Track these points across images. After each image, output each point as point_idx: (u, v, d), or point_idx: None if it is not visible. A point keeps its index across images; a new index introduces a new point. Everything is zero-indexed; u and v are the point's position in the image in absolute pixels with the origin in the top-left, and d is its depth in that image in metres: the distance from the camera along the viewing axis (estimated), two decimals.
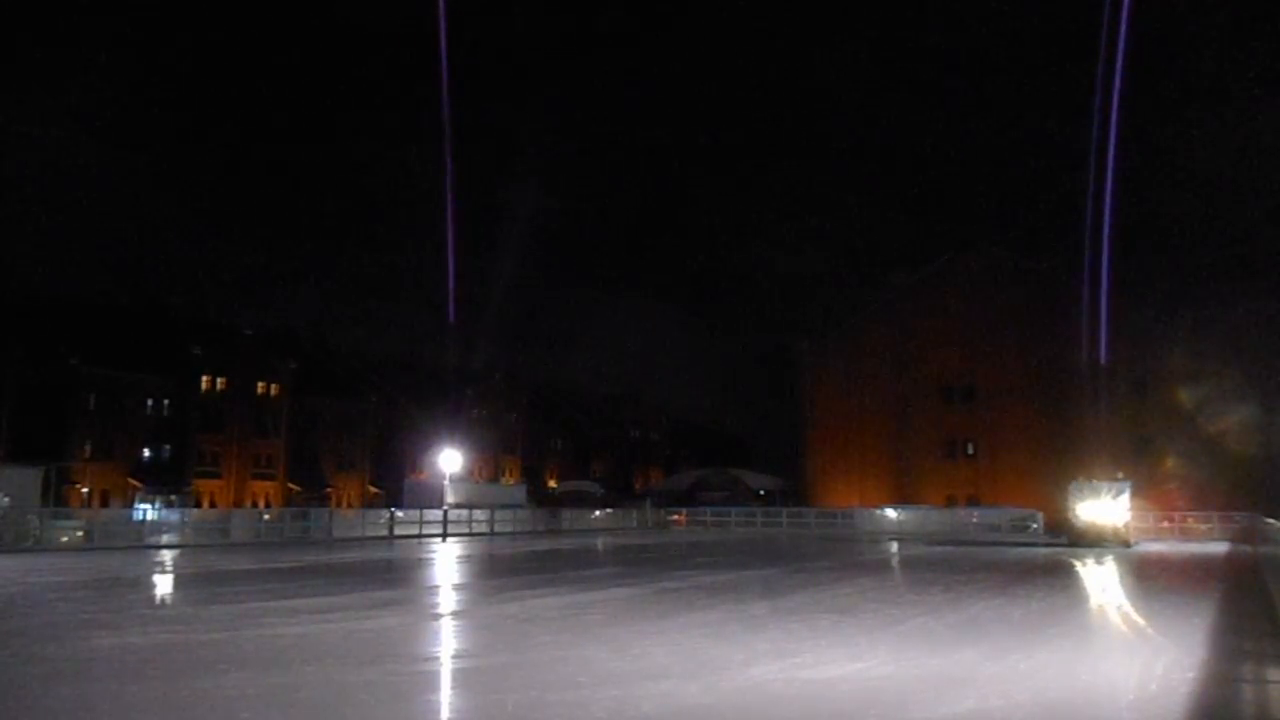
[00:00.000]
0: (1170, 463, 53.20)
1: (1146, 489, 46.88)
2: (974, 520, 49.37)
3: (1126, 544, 33.90)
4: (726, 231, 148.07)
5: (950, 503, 58.09)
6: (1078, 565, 25.92)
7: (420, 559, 28.66)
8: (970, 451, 62.25)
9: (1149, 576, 23.71)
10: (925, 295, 64.39)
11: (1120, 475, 37.47)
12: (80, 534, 32.58)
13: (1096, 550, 31.77)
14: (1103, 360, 52.11)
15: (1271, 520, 26.72)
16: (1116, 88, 34.43)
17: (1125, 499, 34.99)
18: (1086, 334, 51.92)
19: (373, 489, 75.89)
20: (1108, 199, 39.67)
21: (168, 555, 28.60)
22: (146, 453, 66.26)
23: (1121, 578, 22.93)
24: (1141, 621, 14.23)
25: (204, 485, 67.39)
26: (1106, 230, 41.21)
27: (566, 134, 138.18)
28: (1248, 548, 31.84)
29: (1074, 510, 34.92)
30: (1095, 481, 36.15)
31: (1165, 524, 44.07)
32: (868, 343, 65.76)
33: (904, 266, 68.05)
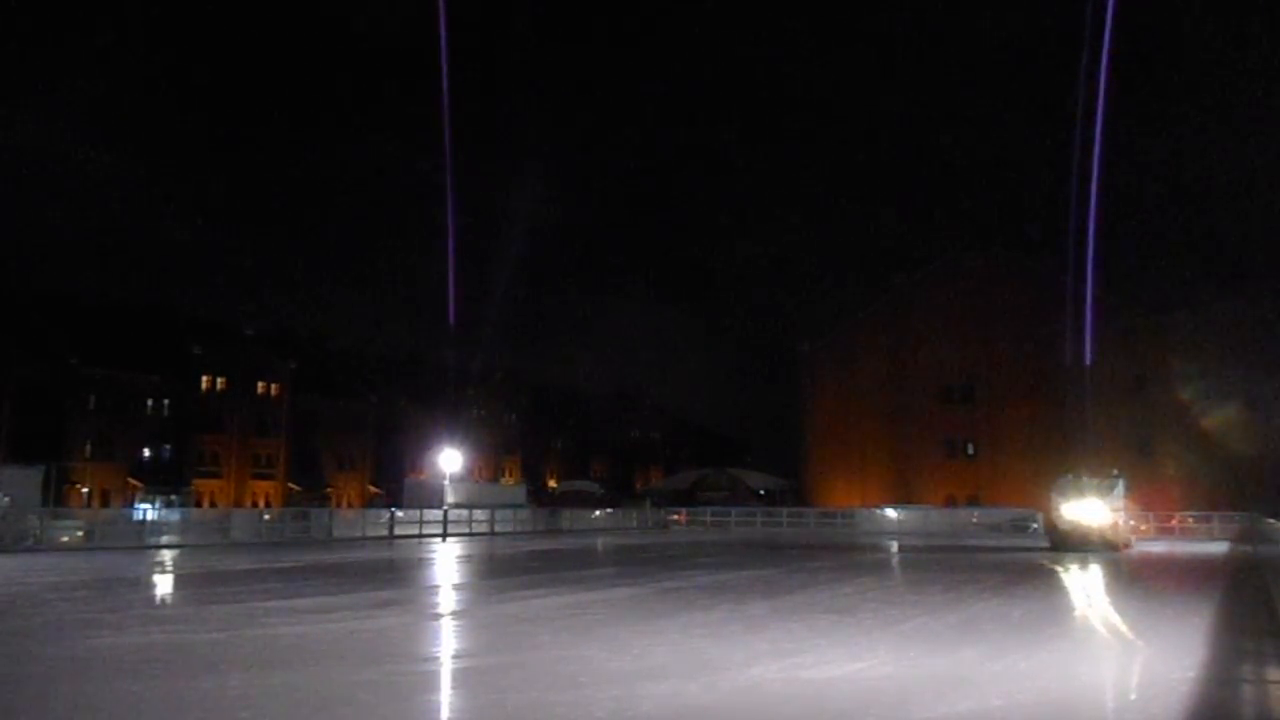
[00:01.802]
0: (1170, 463, 53.22)
1: (1146, 489, 46.89)
2: (974, 520, 49.34)
3: (1116, 548, 29.80)
4: (726, 231, 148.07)
5: (950, 503, 58.12)
6: (1059, 571, 23.97)
7: (420, 559, 28.65)
8: (970, 451, 62.30)
9: (1145, 578, 23.69)
10: (925, 295, 64.45)
11: (1115, 471, 33.58)
12: (80, 534, 32.55)
13: (1079, 554, 28.33)
14: (1088, 360, 51.78)
15: (1271, 520, 26.66)
16: (1102, 84, 34.04)
17: (1118, 497, 31.22)
18: (1071, 332, 51.82)
19: (373, 489, 75.91)
20: (1092, 198, 39.45)
21: (168, 555, 28.57)
22: (146, 453, 66.31)
23: (1117, 580, 22.90)
24: (1141, 622, 14.22)
25: (204, 485, 67.41)
26: (1091, 228, 41.07)
27: (566, 134, 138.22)
28: (1248, 548, 31.61)
29: (1057, 510, 31.01)
30: (1082, 478, 32.16)
31: (1165, 524, 43.91)
32: (868, 343, 65.83)
33: (904, 267, 68.19)
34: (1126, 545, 31.28)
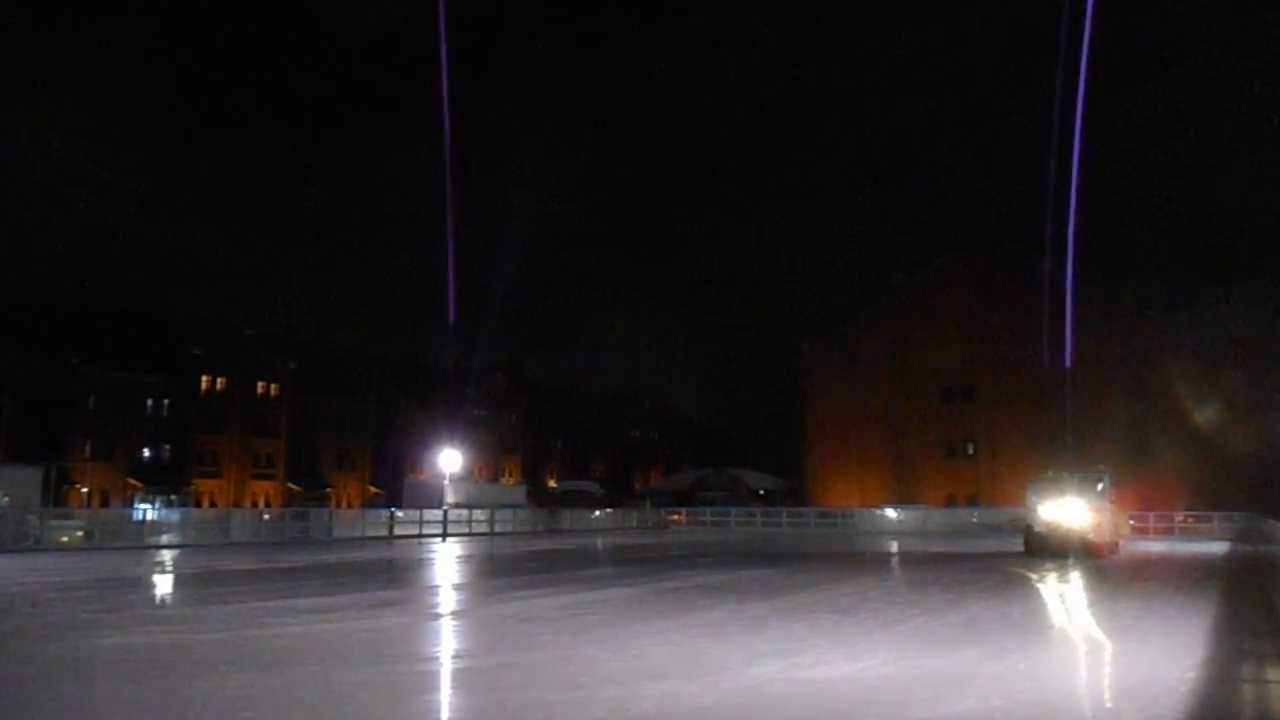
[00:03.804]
0: (1170, 462, 53.19)
1: (1147, 489, 46.87)
2: (974, 520, 49.37)
3: (1099, 552, 26.51)
4: (726, 231, 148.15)
5: (950, 503, 58.13)
6: (1053, 573, 22.03)
7: (420, 559, 28.65)
8: (970, 451, 62.30)
9: (1144, 580, 23.66)
10: (925, 295, 64.49)
11: (1101, 468, 30.64)
12: (80, 534, 32.59)
13: (1058, 560, 25.12)
14: (1068, 362, 51.44)
15: (1272, 520, 26.53)
16: (1081, 83, 33.41)
17: (1102, 496, 28.09)
18: (1050, 332, 51.63)
19: (373, 489, 75.92)
20: (1073, 193, 39.05)
21: (168, 555, 28.59)
22: (146, 453, 66.31)
23: (1116, 581, 22.87)
24: (1142, 622, 14.21)
25: (204, 485, 67.43)
26: (1071, 227, 40.75)
27: (566, 134, 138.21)
28: (1248, 547, 31.40)
29: (1034, 510, 27.89)
30: (1062, 475, 29.38)
31: (1165, 525, 43.88)
32: (867, 343, 65.86)
33: (903, 267, 68.30)
34: (1112, 549, 28.15)
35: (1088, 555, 25.90)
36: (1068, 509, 27.23)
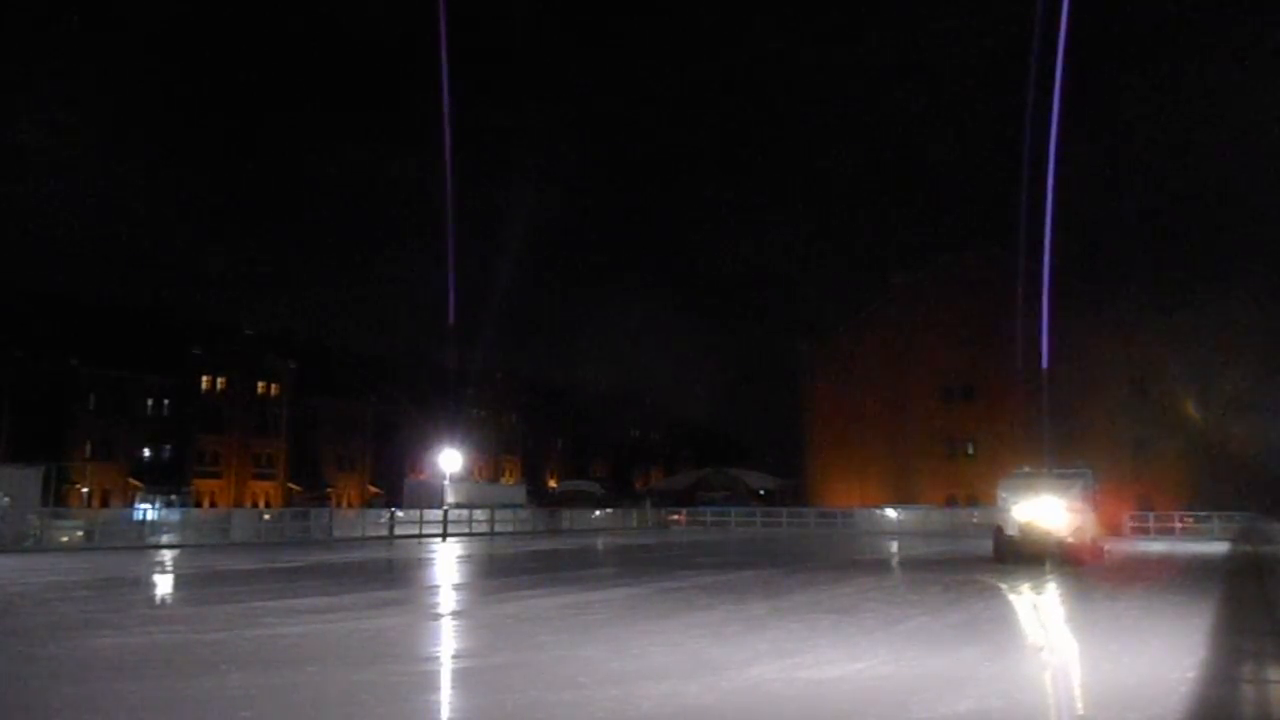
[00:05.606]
0: (1170, 463, 53.17)
1: (1147, 490, 46.80)
2: (974, 520, 49.31)
3: (1080, 558, 23.34)
4: (727, 231, 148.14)
5: (950, 503, 58.06)
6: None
7: (420, 559, 28.66)
8: (970, 451, 62.22)
9: (1142, 580, 23.65)
10: (925, 295, 64.44)
11: (1082, 464, 27.84)
12: (80, 534, 32.57)
13: (1032, 568, 22.45)
14: (1044, 361, 50.91)
15: (1272, 520, 26.45)
16: (1058, 78, 32.86)
17: (1084, 495, 25.05)
18: (1022, 329, 51.16)
19: (373, 489, 75.88)
20: (1049, 191, 38.56)
21: (168, 555, 28.60)
22: (146, 453, 66.30)
23: (1115, 583, 22.85)
24: (1141, 623, 14.21)
25: (204, 485, 67.39)
26: (1048, 222, 40.27)
27: (566, 134, 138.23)
28: (1248, 548, 31.37)
29: (1006, 511, 24.83)
30: (1039, 472, 26.96)
31: (1165, 525, 43.89)
32: (867, 343, 65.82)
33: (903, 266, 68.22)
34: (1096, 555, 24.92)
35: (1066, 561, 23.12)
36: (1044, 509, 24.13)
